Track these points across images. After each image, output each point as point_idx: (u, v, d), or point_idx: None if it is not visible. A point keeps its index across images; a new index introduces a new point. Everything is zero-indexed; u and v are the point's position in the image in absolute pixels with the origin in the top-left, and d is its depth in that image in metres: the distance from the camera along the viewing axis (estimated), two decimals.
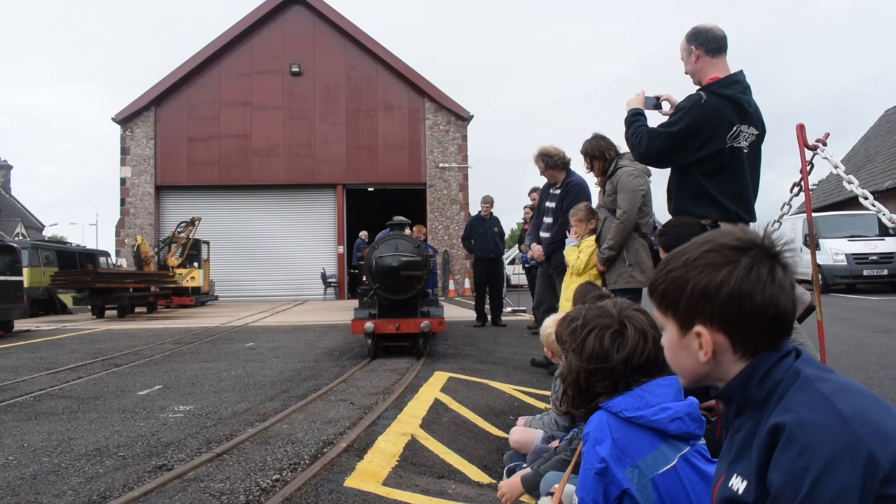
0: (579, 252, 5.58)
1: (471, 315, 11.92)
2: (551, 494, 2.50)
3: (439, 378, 5.71)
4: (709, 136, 3.89)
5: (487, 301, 11.19)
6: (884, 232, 17.11)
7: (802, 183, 2.35)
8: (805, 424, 1.16)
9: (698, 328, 1.31)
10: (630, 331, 2.05)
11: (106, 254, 22.09)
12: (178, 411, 4.69)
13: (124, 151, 22.72)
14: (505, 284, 12.58)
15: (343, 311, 14.33)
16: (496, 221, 11.23)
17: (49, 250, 18.24)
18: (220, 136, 22.84)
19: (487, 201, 11.20)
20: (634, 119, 4.21)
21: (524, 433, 3.56)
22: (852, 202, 22.30)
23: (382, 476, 3.18)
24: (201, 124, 22.86)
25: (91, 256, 20.74)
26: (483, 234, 10.97)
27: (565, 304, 5.53)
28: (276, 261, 22.99)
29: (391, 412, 4.43)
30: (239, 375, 6.27)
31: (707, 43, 4.01)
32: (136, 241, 18.49)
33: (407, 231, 7.98)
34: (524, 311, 13.28)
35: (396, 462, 3.43)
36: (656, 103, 4.33)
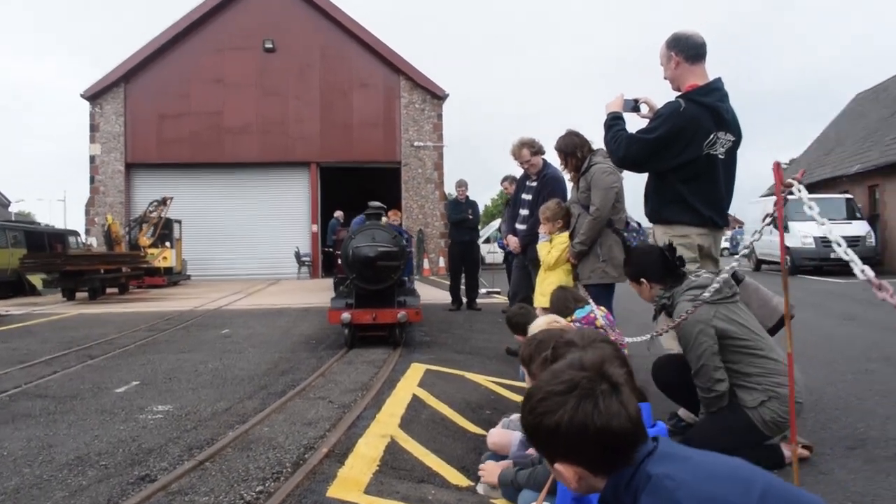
0: (551, 247, 5.69)
1: (445, 297, 12.00)
2: None
3: (416, 371, 5.78)
4: (686, 144, 3.96)
5: (462, 283, 11.29)
6: (851, 216, 17.48)
7: (777, 214, 2.41)
8: None
9: (557, 465, 1.50)
10: None
11: (76, 233, 21.75)
12: (157, 412, 4.70)
13: (94, 128, 22.25)
14: (480, 265, 12.69)
15: (317, 292, 14.33)
16: (472, 205, 11.29)
17: (17, 231, 17.93)
18: (191, 113, 22.45)
19: (462, 184, 11.27)
20: (613, 123, 4.27)
21: (502, 435, 3.64)
22: (820, 186, 22.67)
23: (364, 483, 3.24)
24: (172, 101, 22.41)
25: (60, 237, 20.43)
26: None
27: (540, 297, 5.63)
28: (250, 239, 22.75)
29: (370, 412, 4.48)
30: (216, 368, 6.28)
31: (687, 50, 4.06)
32: (106, 221, 18.21)
33: (384, 219, 8.00)
34: (499, 293, 13.39)
35: (377, 467, 3.48)
36: (635, 105, 4.39)
